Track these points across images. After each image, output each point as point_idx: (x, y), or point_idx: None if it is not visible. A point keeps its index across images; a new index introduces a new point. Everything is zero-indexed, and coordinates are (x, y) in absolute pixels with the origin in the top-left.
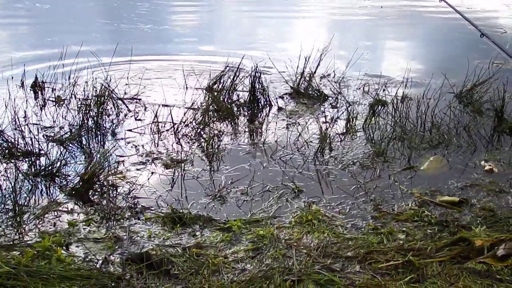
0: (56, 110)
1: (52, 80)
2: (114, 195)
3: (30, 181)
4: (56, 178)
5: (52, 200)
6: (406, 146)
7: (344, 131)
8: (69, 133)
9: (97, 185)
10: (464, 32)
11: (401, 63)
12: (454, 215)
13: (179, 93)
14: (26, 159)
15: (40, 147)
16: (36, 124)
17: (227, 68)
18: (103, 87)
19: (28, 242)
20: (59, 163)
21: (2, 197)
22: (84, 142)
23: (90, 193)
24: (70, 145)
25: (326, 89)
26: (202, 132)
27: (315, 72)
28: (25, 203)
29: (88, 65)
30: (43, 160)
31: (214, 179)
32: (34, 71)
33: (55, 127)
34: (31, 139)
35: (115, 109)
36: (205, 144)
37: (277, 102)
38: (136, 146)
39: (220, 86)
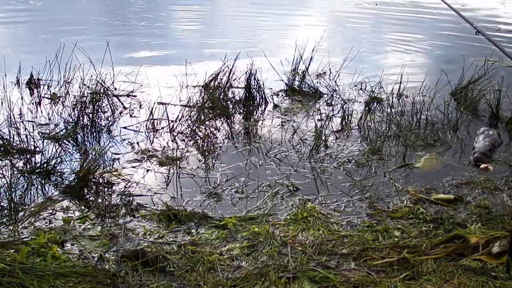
0: (52, 107)
1: (47, 77)
2: (109, 192)
3: (25, 178)
4: (51, 175)
5: (47, 197)
6: (401, 144)
7: (340, 128)
8: (64, 131)
9: (92, 183)
10: (459, 30)
11: (396, 60)
12: (449, 212)
13: (175, 90)
14: (22, 157)
15: (35, 145)
16: (32, 121)
17: (223, 65)
18: (98, 84)
19: (24, 239)
20: (54, 160)
21: None
22: (79, 139)
23: (85, 191)
24: (66, 142)
25: (321, 87)
26: (197, 130)
27: (308, 67)
28: (20, 201)
29: (83, 62)
30: (38, 157)
31: (209, 177)
32: (30, 68)
33: (51, 124)
34: (26, 137)
35: (110, 106)
36: (201, 142)
37: (272, 100)
38: (131, 144)
39: (215, 83)
